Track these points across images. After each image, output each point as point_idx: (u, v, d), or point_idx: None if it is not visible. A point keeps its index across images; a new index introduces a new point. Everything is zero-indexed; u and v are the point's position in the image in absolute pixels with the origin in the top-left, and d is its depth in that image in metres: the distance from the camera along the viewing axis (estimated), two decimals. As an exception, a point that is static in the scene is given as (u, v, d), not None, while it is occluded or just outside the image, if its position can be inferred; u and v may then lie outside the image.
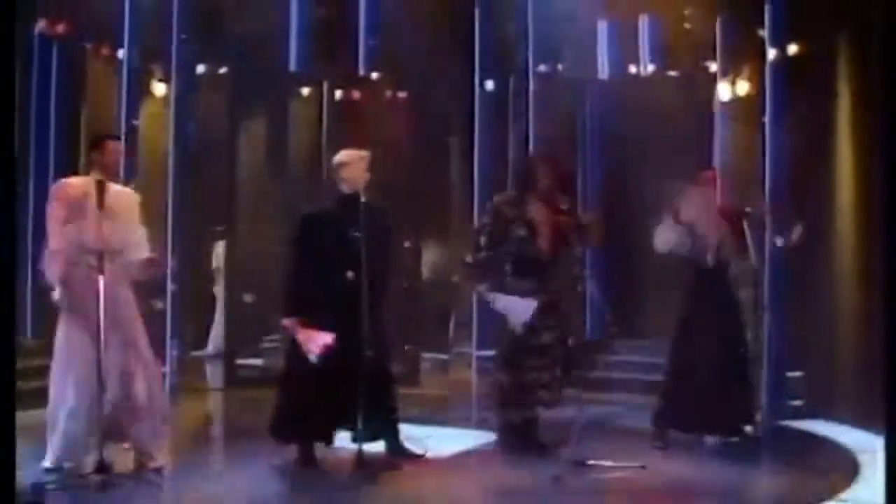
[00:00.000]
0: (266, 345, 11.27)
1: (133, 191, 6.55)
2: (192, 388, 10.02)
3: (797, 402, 8.61)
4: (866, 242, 8.07)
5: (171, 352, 9.59)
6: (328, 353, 6.03)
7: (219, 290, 11.87)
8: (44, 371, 6.21)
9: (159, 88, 10.98)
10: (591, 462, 6.34)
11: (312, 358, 6.04)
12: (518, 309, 6.67)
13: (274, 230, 11.08)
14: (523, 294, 6.70)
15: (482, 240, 6.86)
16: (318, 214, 6.57)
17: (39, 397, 6.17)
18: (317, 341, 6.05)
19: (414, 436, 6.69)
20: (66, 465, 5.95)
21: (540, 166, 6.94)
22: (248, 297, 11.21)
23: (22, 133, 9.58)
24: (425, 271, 11.60)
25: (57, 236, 5.95)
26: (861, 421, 7.53)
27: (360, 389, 5.90)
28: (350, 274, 6.15)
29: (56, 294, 5.98)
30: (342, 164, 6.47)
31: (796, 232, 7.34)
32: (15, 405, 4.31)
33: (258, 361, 11.10)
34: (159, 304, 9.23)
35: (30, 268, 7.93)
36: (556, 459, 6.44)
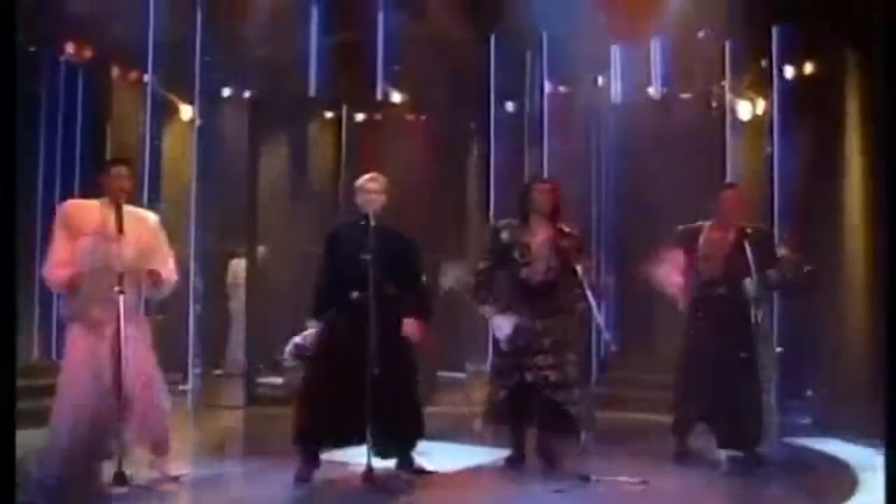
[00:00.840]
0: (286, 363, 11.44)
1: (152, 212, 6.71)
2: (212, 406, 10.23)
3: (805, 420, 8.72)
4: (875, 262, 8.18)
5: (193, 370, 9.81)
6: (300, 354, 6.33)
7: (234, 306, 12.02)
8: (52, 389, 6.35)
9: (185, 112, 11.23)
10: (595, 477, 6.48)
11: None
12: (499, 324, 6.84)
13: (293, 251, 11.31)
14: (520, 314, 6.87)
15: (480, 264, 7.05)
16: (336, 233, 6.83)
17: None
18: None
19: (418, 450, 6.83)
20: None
21: (540, 191, 7.02)
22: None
23: (48, 158, 9.91)
24: (442, 291, 11.72)
25: (55, 253, 6.15)
26: (866, 438, 7.63)
27: (367, 405, 6.06)
28: (356, 294, 6.34)
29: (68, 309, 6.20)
30: (356, 188, 6.70)
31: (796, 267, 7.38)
32: (15, 408, 4.50)
33: (278, 380, 11.26)
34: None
35: (56, 297, 8.11)
36: (561, 474, 6.60)
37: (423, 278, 6.93)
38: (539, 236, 6.92)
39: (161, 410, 6.32)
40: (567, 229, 6.96)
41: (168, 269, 6.41)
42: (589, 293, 6.62)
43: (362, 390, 6.04)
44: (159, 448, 6.30)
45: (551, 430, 6.88)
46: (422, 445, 6.83)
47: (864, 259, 8.62)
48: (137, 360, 6.12)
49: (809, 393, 9.06)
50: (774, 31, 9.30)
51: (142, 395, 6.15)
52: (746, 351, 7.15)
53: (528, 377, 6.81)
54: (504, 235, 6.99)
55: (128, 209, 6.30)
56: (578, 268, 6.66)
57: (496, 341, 6.96)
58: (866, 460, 7.27)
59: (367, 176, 6.68)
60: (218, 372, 11.61)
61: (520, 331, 6.81)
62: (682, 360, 7.35)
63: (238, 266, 11.81)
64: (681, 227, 7.47)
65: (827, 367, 8.88)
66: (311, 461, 6.52)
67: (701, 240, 7.30)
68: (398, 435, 6.53)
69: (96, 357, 6.06)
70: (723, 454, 7.28)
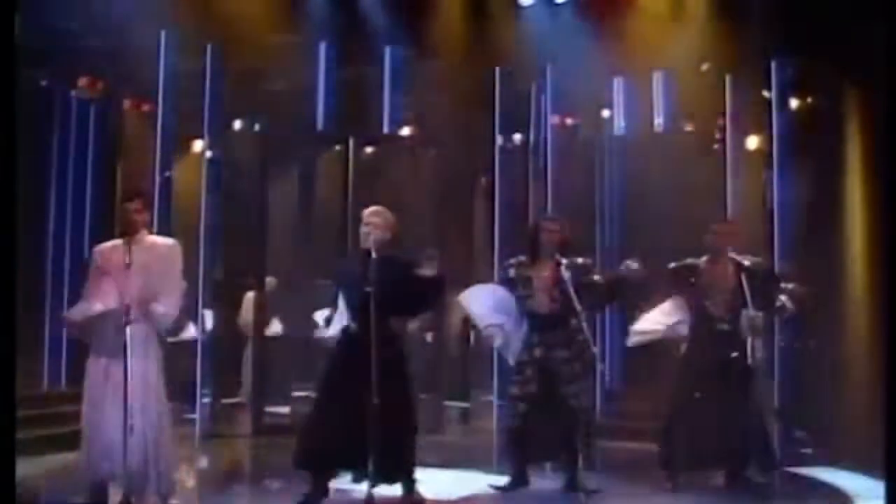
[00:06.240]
0: (295, 393, 11.54)
1: (171, 240, 6.75)
2: (220, 435, 10.34)
3: (806, 450, 8.77)
4: (876, 293, 8.25)
5: (200, 400, 9.91)
6: None
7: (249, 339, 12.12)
8: (77, 416, 6.50)
9: (196, 145, 11.38)
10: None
11: None
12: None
13: (302, 282, 11.42)
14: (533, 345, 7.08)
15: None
16: (342, 269, 6.94)
17: (73, 441, 6.49)
18: None
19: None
20: None
21: (546, 230, 7.20)
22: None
23: (59, 192, 10.08)
24: (449, 322, 11.83)
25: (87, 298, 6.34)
26: (867, 468, 7.67)
27: (368, 435, 6.16)
28: (353, 325, 6.48)
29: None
30: (361, 221, 6.79)
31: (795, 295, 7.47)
32: (15, 413, 4.62)
33: (286, 409, 11.36)
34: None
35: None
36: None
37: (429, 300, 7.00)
38: (544, 271, 7.09)
39: (163, 448, 6.40)
40: (577, 261, 7.11)
41: (171, 300, 6.49)
42: (585, 325, 6.78)
43: (362, 420, 6.14)
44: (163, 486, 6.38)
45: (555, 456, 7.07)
46: (425, 474, 6.89)
47: (866, 289, 8.69)
48: (145, 394, 6.23)
49: (811, 422, 9.10)
50: (774, 64, 9.41)
51: (148, 429, 6.25)
52: (747, 385, 7.24)
53: (544, 406, 7.00)
54: (512, 271, 7.24)
55: (145, 240, 6.42)
56: (576, 301, 6.80)
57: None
58: (867, 490, 7.31)
59: (369, 209, 6.76)
60: (226, 401, 11.70)
61: (533, 361, 7.04)
62: (681, 395, 7.40)
63: (250, 298, 11.94)
64: (672, 266, 7.52)
65: (828, 397, 8.93)
66: (320, 489, 6.59)
67: (702, 276, 7.38)
68: (397, 465, 6.59)
69: (107, 389, 6.17)
70: (721, 483, 7.35)
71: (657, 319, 7.57)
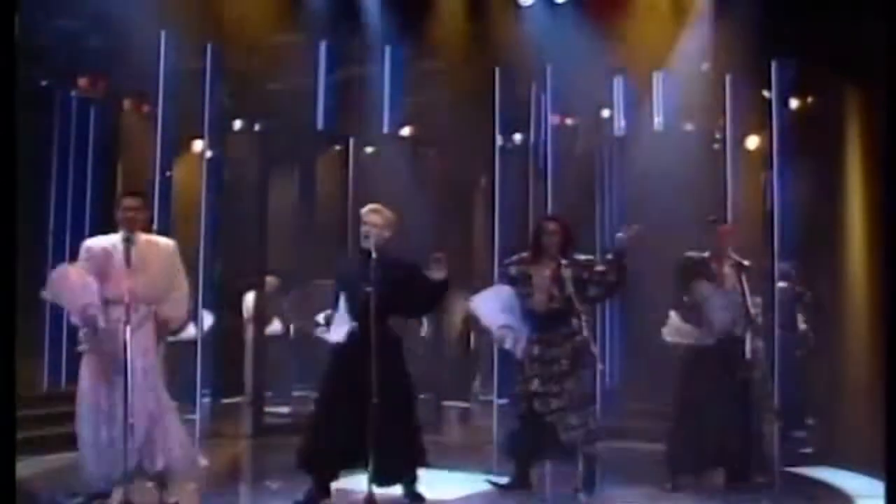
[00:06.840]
0: (295, 393, 11.55)
1: (169, 240, 6.77)
2: (220, 435, 10.33)
3: (806, 449, 8.78)
4: (876, 292, 8.26)
5: (200, 399, 9.91)
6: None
7: (249, 339, 12.14)
8: (60, 418, 6.52)
9: (196, 145, 11.37)
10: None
11: None
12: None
13: (302, 282, 11.43)
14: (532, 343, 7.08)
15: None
16: (344, 268, 6.93)
17: (73, 441, 6.49)
18: None
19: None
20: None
21: (547, 231, 7.22)
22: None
23: (59, 191, 10.09)
24: (449, 322, 11.85)
25: (72, 291, 6.32)
26: (867, 468, 7.68)
27: (369, 435, 6.16)
28: (353, 325, 6.49)
29: (81, 341, 6.33)
30: (360, 220, 6.77)
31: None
32: (15, 413, 4.66)
33: (286, 409, 11.37)
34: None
35: (65, 319, 8.26)
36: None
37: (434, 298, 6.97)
38: (545, 270, 7.12)
39: (175, 439, 6.41)
40: (578, 259, 7.16)
41: (178, 303, 6.49)
42: (584, 324, 6.80)
43: (364, 419, 6.14)
44: (176, 476, 6.40)
45: (554, 457, 7.08)
46: (425, 474, 6.90)
47: (865, 289, 8.70)
48: (148, 392, 6.24)
49: (811, 422, 9.11)
50: (774, 64, 9.41)
51: (155, 425, 6.27)
52: (747, 385, 7.24)
53: (536, 405, 7.00)
54: (511, 270, 7.29)
55: (144, 238, 6.43)
56: (576, 300, 6.81)
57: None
58: (867, 490, 7.32)
59: (368, 208, 6.75)
60: (226, 401, 11.70)
61: (532, 359, 7.06)
62: (683, 396, 7.42)
63: (250, 298, 11.95)
64: (684, 260, 7.53)
65: (828, 396, 8.94)
66: (322, 490, 6.59)
67: (716, 274, 7.38)
68: (399, 464, 6.60)
69: (104, 388, 6.17)
70: (721, 483, 7.36)
71: None
